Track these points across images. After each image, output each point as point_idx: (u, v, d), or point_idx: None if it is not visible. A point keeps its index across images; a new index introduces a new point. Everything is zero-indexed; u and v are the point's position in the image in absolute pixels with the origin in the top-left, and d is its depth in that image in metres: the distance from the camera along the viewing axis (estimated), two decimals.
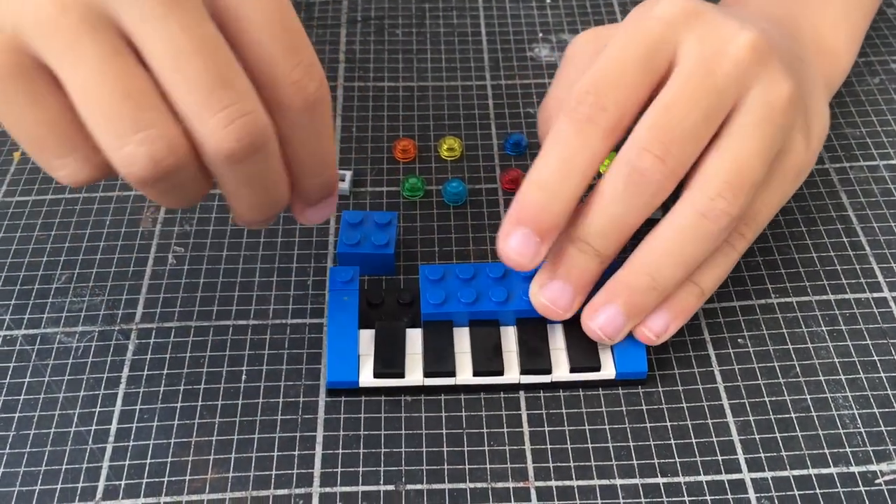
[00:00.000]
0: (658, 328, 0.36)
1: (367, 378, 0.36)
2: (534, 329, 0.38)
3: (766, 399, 0.37)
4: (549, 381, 0.37)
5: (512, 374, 0.37)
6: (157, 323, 0.39)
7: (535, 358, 0.37)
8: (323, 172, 0.33)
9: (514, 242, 0.34)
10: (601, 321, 0.35)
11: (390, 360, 0.37)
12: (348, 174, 0.45)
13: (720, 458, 0.35)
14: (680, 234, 0.34)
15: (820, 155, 0.46)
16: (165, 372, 0.38)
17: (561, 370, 0.37)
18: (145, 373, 0.37)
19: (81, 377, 0.37)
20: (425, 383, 0.37)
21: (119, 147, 0.28)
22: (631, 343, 0.37)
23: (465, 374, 0.37)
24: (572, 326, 0.37)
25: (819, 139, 0.39)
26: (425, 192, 0.45)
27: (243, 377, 0.37)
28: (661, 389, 0.37)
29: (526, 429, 0.36)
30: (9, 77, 0.28)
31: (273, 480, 0.34)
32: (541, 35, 0.54)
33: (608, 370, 0.37)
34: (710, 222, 0.34)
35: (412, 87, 0.50)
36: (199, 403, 0.37)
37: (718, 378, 0.37)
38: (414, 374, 0.37)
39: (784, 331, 0.39)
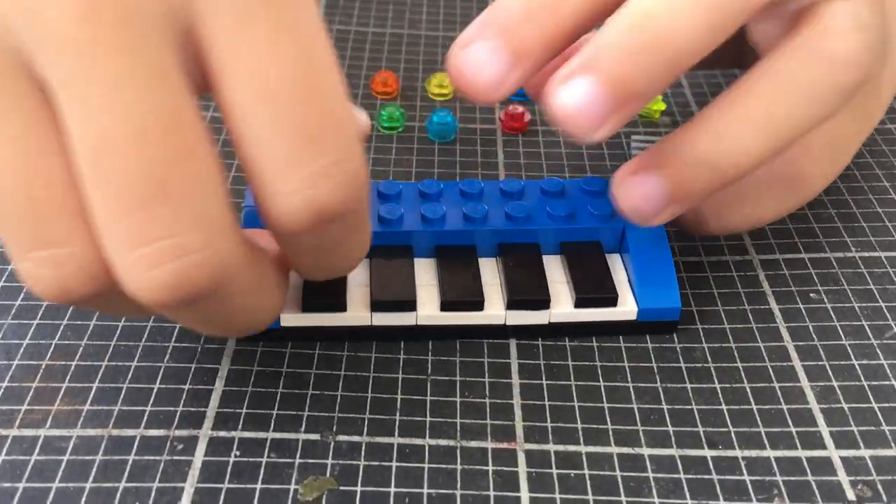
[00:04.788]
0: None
1: (292, 315, 0.26)
2: (524, 259, 0.27)
3: (855, 362, 0.26)
4: (546, 321, 0.26)
5: (494, 309, 0.26)
6: None
7: (526, 288, 0.26)
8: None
9: (475, 55, 0.23)
10: (635, 194, 0.24)
11: (326, 290, 0.26)
12: None
13: (793, 429, 0.24)
14: (783, 84, 0.23)
15: None
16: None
17: (562, 305, 0.26)
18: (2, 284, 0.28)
19: None
20: (374, 322, 0.26)
21: (18, 260, 0.19)
22: (658, 273, 0.27)
23: (429, 308, 0.26)
24: (578, 259, 0.27)
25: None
26: (406, 126, 0.36)
27: None
28: (705, 345, 0.27)
29: (516, 380, 0.25)
30: None
31: (145, 417, 0.24)
32: None
33: (627, 305, 0.26)
34: (840, 73, 0.23)
35: (401, 34, 0.42)
36: (65, 322, 0.26)
37: (786, 335, 0.27)
38: (358, 310, 0.26)
39: (872, 286, 0.29)
